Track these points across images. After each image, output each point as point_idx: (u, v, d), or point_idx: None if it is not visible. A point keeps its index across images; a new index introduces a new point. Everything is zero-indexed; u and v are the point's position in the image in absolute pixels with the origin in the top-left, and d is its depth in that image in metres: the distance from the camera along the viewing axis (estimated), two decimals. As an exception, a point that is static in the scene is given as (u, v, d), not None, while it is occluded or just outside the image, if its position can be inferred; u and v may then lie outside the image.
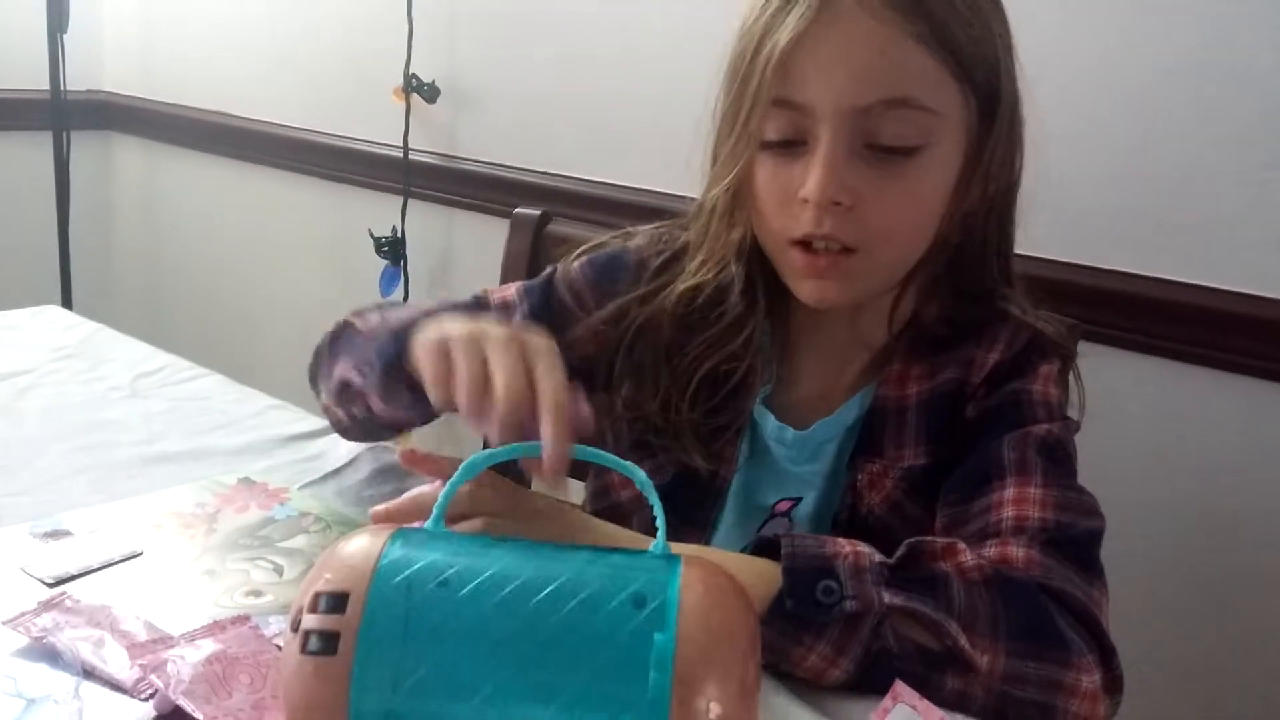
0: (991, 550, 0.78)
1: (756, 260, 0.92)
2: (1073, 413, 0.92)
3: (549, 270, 1.02)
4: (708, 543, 0.96)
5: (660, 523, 0.62)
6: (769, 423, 0.94)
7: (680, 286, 0.95)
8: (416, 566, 0.57)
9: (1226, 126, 1.22)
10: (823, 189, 0.80)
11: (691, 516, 0.95)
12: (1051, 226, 1.32)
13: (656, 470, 0.96)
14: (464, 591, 0.56)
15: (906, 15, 0.79)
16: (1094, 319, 1.25)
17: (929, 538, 0.76)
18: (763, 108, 0.83)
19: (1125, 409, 1.33)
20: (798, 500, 0.95)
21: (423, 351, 0.73)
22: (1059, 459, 0.84)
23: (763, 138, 0.84)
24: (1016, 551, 0.77)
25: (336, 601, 0.56)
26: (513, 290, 1.01)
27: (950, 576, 0.73)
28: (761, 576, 0.72)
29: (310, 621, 0.56)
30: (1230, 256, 1.24)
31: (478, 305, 0.99)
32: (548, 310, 0.98)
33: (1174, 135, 1.25)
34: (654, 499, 0.63)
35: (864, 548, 0.74)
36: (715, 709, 0.53)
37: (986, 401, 0.88)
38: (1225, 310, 1.24)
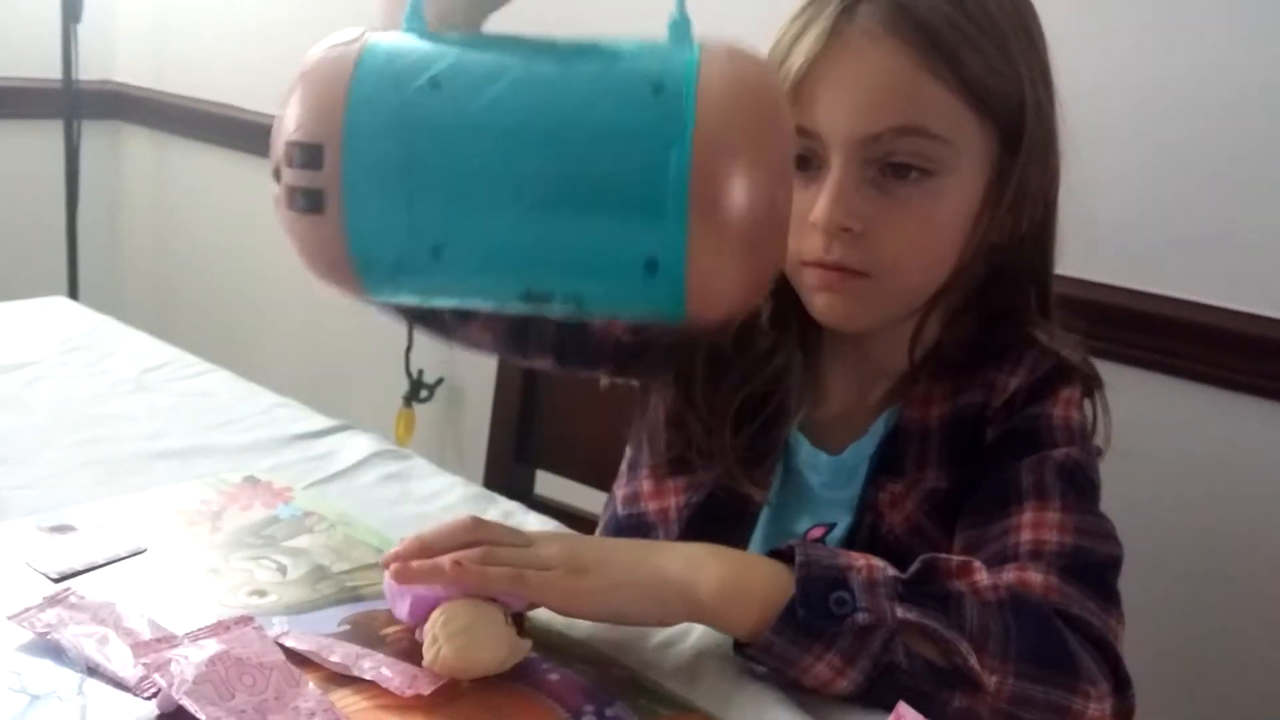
0: (1010, 574, 0.77)
1: (785, 287, 0.91)
2: (1098, 442, 0.91)
3: None
4: None
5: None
6: (803, 448, 0.94)
7: None
8: (397, 71, 0.53)
9: (1247, 143, 1.22)
10: (830, 215, 0.81)
11: (722, 538, 0.94)
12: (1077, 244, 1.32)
13: (693, 488, 0.96)
14: (457, 93, 0.51)
15: (915, 45, 0.80)
16: (1111, 336, 1.25)
17: (945, 555, 0.75)
18: None
19: (1146, 430, 1.32)
20: (831, 526, 0.94)
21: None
22: (1079, 484, 0.84)
23: None
24: (1035, 577, 0.77)
25: (311, 154, 0.52)
26: None
27: (964, 595, 0.72)
28: (774, 582, 0.72)
29: (290, 177, 0.53)
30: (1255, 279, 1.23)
31: None
32: None
33: (1207, 153, 1.25)
34: None
35: (878, 561, 0.74)
36: (742, 189, 0.47)
37: (1006, 425, 0.88)
38: (1253, 333, 1.24)
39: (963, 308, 0.92)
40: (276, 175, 0.55)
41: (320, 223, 0.52)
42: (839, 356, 0.96)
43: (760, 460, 0.94)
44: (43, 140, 2.58)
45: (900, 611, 0.70)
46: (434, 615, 0.71)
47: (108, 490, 0.94)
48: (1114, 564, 0.81)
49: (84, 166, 2.60)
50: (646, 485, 0.99)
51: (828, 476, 0.93)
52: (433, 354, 2.15)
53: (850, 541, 0.92)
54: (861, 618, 0.70)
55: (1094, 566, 0.79)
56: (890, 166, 0.82)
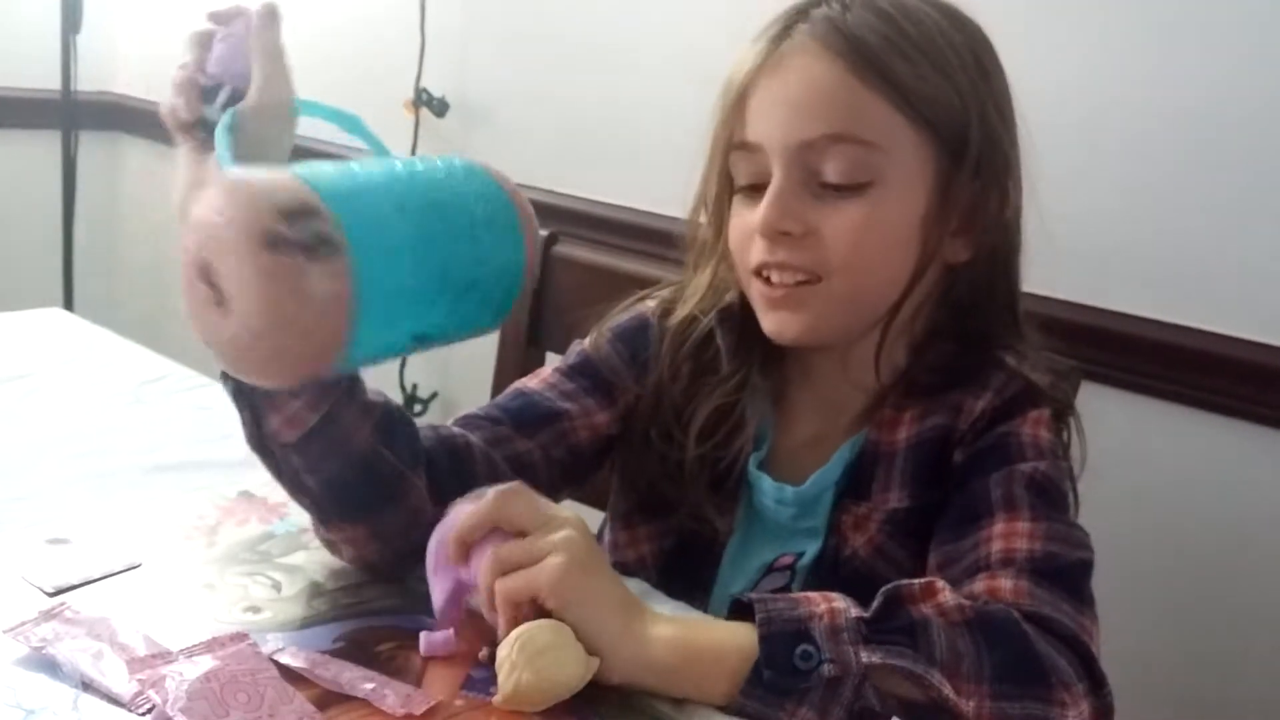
0: (979, 583, 0.78)
1: (747, 320, 0.94)
2: (1074, 460, 0.92)
3: (578, 348, 1.02)
4: (706, 603, 0.95)
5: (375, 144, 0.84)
6: (766, 485, 0.95)
7: (671, 326, 0.98)
8: (321, 174, 0.68)
9: (1236, 169, 1.23)
10: (768, 220, 0.85)
11: (693, 578, 0.96)
12: (1058, 266, 1.33)
13: (661, 535, 0.98)
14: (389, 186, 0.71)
15: (846, 56, 0.83)
16: (1097, 359, 1.26)
17: (906, 581, 0.74)
18: (723, 149, 0.90)
19: (1126, 450, 1.33)
20: (799, 555, 0.94)
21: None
22: (1049, 495, 0.84)
23: (737, 183, 0.90)
24: (1004, 583, 0.77)
25: (303, 209, 0.63)
26: (552, 374, 1.00)
27: (930, 621, 0.72)
28: (740, 648, 0.71)
29: (297, 231, 0.62)
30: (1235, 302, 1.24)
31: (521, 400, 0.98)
32: (599, 388, 0.99)
33: (1190, 178, 1.26)
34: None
35: (839, 602, 0.72)
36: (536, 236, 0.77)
37: (975, 446, 0.89)
38: (1239, 357, 1.25)
39: (931, 332, 0.93)
40: (274, 241, 0.62)
41: (334, 265, 0.64)
42: (802, 386, 0.97)
43: (722, 484, 0.95)
44: (40, 150, 2.59)
45: (866, 655, 0.69)
46: (509, 640, 0.71)
47: (103, 504, 0.94)
48: (1085, 567, 0.81)
49: (81, 177, 2.61)
50: (622, 536, 1.01)
51: (793, 509, 0.94)
52: (426, 368, 2.15)
53: (817, 567, 0.93)
54: (828, 670, 0.69)
55: (1065, 570, 0.79)
56: (828, 185, 0.85)
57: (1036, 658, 0.72)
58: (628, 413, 0.99)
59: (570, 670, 0.70)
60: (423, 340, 0.72)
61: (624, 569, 0.97)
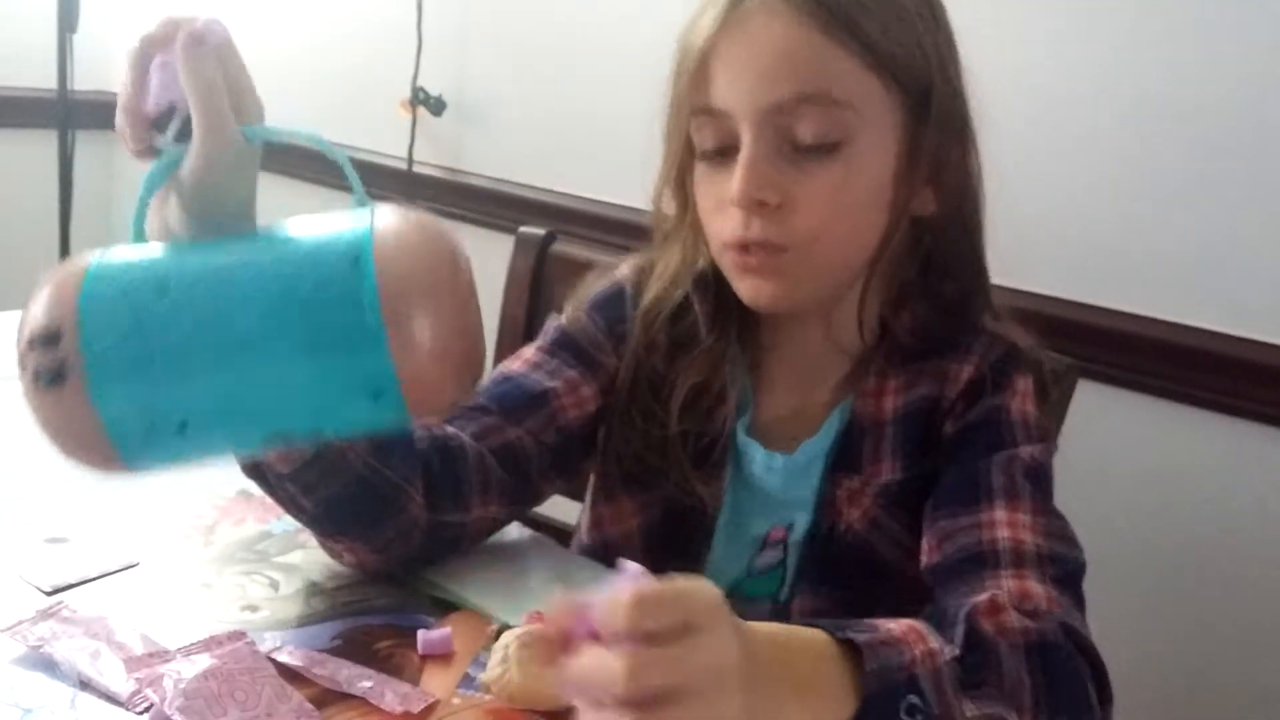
0: (1009, 580, 0.77)
1: (723, 287, 0.92)
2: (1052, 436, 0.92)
3: (555, 323, 1.01)
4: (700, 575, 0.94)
5: (354, 185, 0.65)
6: (758, 454, 0.94)
7: (643, 307, 0.97)
8: (128, 276, 0.60)
9: (1218, 161, 1.23)
10: (744, 190, 0.82)
11: (682, 551, 0.95)
12: (1054, 264, 1.33)
13: (647, 508, 0.97)
14: (178, 286, 0.59)
15: (812, 14, 0.81)
16: (1090, 356, 1.26)
17: (974, 601, 0.71)
18: (684, 116, 0.87)
19: (1117, 445, 1.34)
20: (790, 526, 0.94)
21: None
22: (1044, 486, 0.85)
23: (701, 148, 0.87)
24: (1035, 587, 0.76)
25: (50, 337, 0.59)
26: (533, 353, 1.00)
27: (999, 646, 0.68)
28: (832, 677, 0.62)
29: (34, 361, 0.59)
30: (1217, 298, 1.25)
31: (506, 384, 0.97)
32: (581, 360, 0.98)
33: (1178, 173, 1.26)
34: (340, 155, 0.67)
35: (933, 640, 0.66)
36: (427, 330, 0.57)
37: (966, 418, 0.89)
38: (1236, 355, 1.25)
39: (904, 290, 0.92)
40: (22, 364, 0.60)
41: (67, 395, 0.59)
42: (780, 352, 0.96)
43: (708, 455, 0.94)
44: (37, 150, 2.58)
45: (968, 709, 0.65)
46: (508, 636, 0.70)
47: (101, 503, 0.94)
48: (1084, 571, 0.82)
49: (78, 177, 2.60)
50: (606, 511, 1.00)
51: (783, 477, 0.94)
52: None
53: (811, 539, 0.92)
54: None
55: (1073, 575, 0.80)
56: (801, 147, 0.82)
57: (1083, 689, 0.72)
58: (609, 385, 0.98)
59: (556, 686, 0.69)
60: (280, 439, 0.65)
61: (608, 544, 0.99)
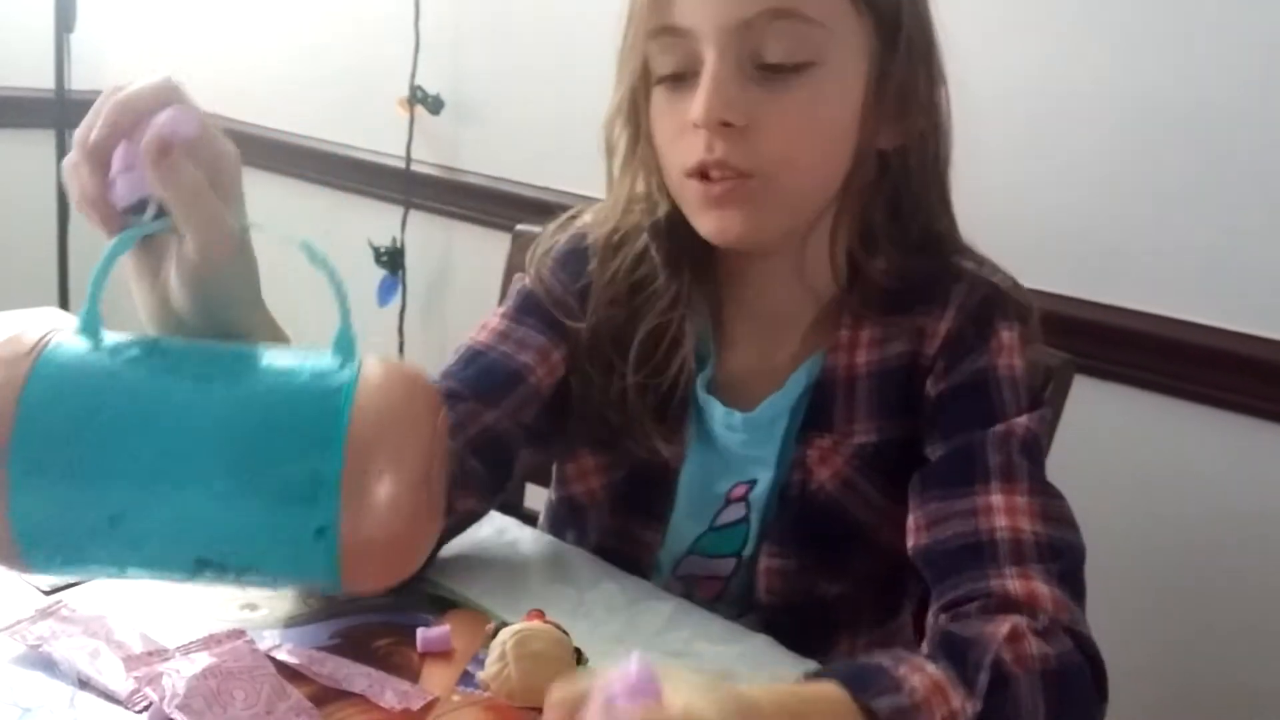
0: (1014, 581, 0.75)
1: (678, 229, 0.89)
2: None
3: (520, 286, 0.98)
4: (662, 532, 0.94)
5: (343, 310, 0.59)
6: (716, 410, 0.92)
7: (610, 235, 0.93)
8: (69, 388, 0.56)
9: (1211, 161, 1.23)
10: (709, 109, 0.78)
11: (645, 509, 0.95)
12: (1051, 260, 1.33)
13: (611, 467, 0.95)
14: (133, 400, 0.56)
15: None
16: (1087, 352, 1.26)
17: (993, 632, 0.70)
18: (642, 38, 0.83)
19: (1107, 439, 1.34)
20: (752, 483, 0.93)
21: None
22: (1039, 459, 0.83)
23: (658, 72, 0.84)
24: (1041, 589, 0.74)
25: None
26: (499, 321, 0.96)
27: (1018, 681, 0.68)
28: None
29: None
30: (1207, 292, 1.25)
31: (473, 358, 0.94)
32: (549, 324, 0.95)
33: (1176, 170, 1.27)
34: (332, 271, 0.59)
35: (954, 698, 0.66)
36: (386, 484, 0.54)
37: (948, 379, 0.85)
38: (1233, 350, 1.25)
39: (871, 226, 0.88)
40: None
41: None
42: (744, 302, 0.93)
43: (666, 410, 0.91)
44: (35, 150, 2.58)
45: None
46: (506, 634, 0.70)
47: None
48: (1083, 557, 0.79)
49: (76, 176, 2.60)
50: (570, 469, 0.98)
51: (744, 435, 0.91)
52: (410, 349, 2.15)
53: (781, 498, 0.91)
54: None
55: (1075, 566, 0.78)
56: (768, 67, 0.79)
57: (1090, 705, 0.72)
58: (576, 344, 0.94)
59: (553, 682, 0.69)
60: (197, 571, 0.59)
61: (573, 503, 0.98)
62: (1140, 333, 1.30)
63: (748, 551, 0.94)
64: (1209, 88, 1.23)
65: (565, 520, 1.00)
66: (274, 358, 0.59)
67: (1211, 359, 1.26)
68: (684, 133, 0.82)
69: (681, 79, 0.82)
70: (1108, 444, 1.35)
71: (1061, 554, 0.77)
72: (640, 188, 0.92)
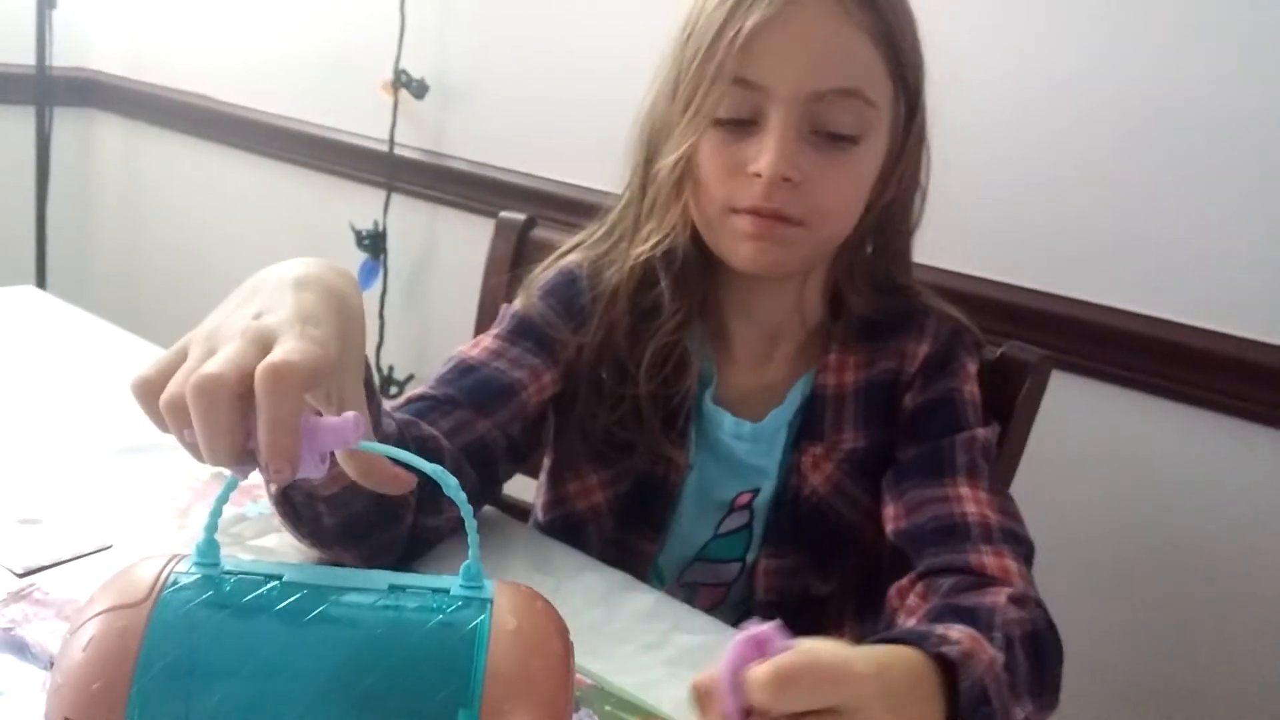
0: (989, 557, 0.85)
1: (689, 258, 0.96)
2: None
3: (510, 311, 1.02)
4: (661, 541, 1.01)
5: (473, 540, 0.57)
6: (726, 421, 0.99)
7: (631, 262, 0.98)
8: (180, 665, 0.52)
9: (1191, 158, 1.24)
10: (775, 166, 0.86)
11: (648, 518, 1.00)
12: (1029, 256, 1.34)
13: (615, 480, 1.00)
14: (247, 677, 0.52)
15: (863, 10, 0.87)
16: (1064, 347, 1.27)
17: (992, 601, 0.79)
18: (723, 85, 0.87)
19: (1084, 434, 1.35)
20: (756, 491, 1.00)
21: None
22: (992, 463, 0.94)
23: (716, 114, 0.89)
24: (1011, 564, 0.85)
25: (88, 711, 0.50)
26: (492, 341, 0.99)
27: (1015, 644, 0.76)
28: (926, 695, 0.66)
29: None
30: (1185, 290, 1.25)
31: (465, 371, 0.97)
32: (542, 346, 0.99)
33: (1150, 164, 1.27)
34: (465, 508, 0.56)
35: (990, 647, 0.72)
36: None
37: (923, 395, 0.96)
38: (1210, 349, 1.26)
39: (855, 270, 0.99)
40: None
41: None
42: (743, 326, 1.00)
43: (674, 421, 0.98)
44: (14, 126, 2.56)
45: (1018, 711, 0.74)
46: None
47: (75, 484, 0.94)
48: (1034, 553, 0.90)
49: (55, 153, 2.59)
50: (572, 486, 1.02)
51: (751, 444, 0.99)
52: (403, 351, 2.15)
53: (777, 503, 0.99)
54: None
55: (1030, 555, 0.88)
56: (826, 134, 0.88)
57: (1058, 669, 0.81)
58: (570, 366, 1.00)
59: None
60: None
61: (576, 518, 1.02)
62: (1118, 329, 1.30)
63: (751, 555, 1.01)
64: (1186, 84, 1.23)
65: (560, 538, 1.00)
66: (399, 599, 0.56)
67: (1189, 356, 1.26)
68: (735, 174, 0.89)
69: (739, 125, 0.89)
70: (1084, 439, 1.35)
71: (1021, 542, 0.89)
72: (656, 221, 0.96)
